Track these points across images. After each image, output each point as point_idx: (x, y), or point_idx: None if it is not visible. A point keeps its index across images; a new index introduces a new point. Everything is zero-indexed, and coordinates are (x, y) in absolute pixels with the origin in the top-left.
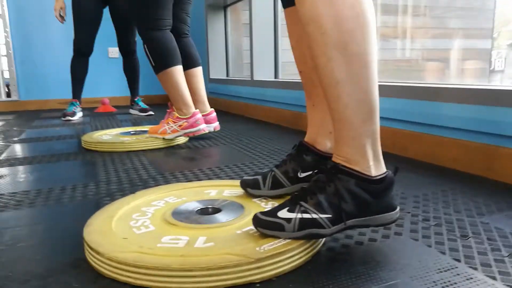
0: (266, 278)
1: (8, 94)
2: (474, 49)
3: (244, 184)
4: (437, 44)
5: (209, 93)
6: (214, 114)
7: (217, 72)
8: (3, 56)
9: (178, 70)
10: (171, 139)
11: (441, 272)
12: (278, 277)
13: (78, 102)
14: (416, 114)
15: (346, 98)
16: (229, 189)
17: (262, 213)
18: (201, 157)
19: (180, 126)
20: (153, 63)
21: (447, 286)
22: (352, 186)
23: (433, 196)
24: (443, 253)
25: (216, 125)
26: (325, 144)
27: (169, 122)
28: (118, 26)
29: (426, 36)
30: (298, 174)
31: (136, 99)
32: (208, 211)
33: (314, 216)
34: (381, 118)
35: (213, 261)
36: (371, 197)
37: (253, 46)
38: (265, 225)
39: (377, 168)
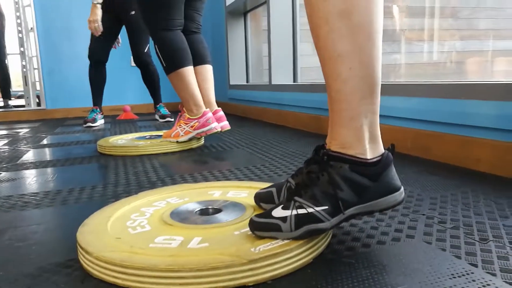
0: (260, 281)
1: (39, 104)
2: (507, 51)
3: (257, 199)
4: (466, 46)
5: (229, 99)
6: (221, 113)
7: (237, 78)
8: (34, 69)
9: (188, 71)
10: (186, 141)
11: (454, 277)
12: (273, 280)
13: (98, 109)
14: (438, 113)
15: (347, 73)
16: (234, 190)
17: (257, 215)
18: (213, 160)
19: (192, 127)
20: (163, 64)
21: None
22: (347, 172)
23: (452, 198)
24: (459, 257)
25: (223, 124)
26: None
27: (181, 125)
28: (130, 40)
29: (454, 38)
30: None
31: (158, 106)
32: (208, 211)
33: (310, 210)
34: (401, 118)
35: (203, 262)
36: (369, 181)
37: (271, 51)
38: (261, 228)
39: (374, 150)
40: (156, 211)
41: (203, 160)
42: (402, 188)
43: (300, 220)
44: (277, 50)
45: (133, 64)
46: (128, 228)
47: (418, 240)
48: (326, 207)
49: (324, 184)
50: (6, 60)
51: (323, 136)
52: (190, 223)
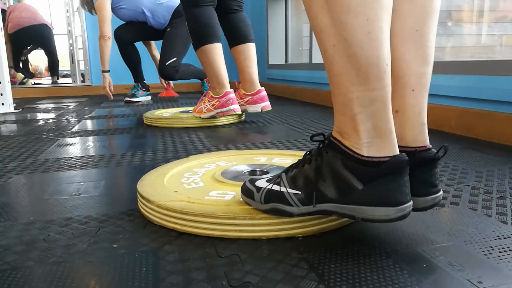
0: (309, 233)
1: (83, 81)
2: None
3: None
4: None
5: (267, 79)
6: (263, 93)
7: (276, 58)
8: (79, 48)
9: (213, 48)
10: (207, 118)
11: (500, 239)
12: (321, 233)
13: (140, 85)
14: (484, 90)
15: (331, 51)
16: (279, 157)
17: (250, 179)
18: (255, 133)
19: (213, 105)
20: (191, 40)
21: (505, 251)
22: (337, 164)
23: (500, 172)
24: (505, 222)
25: (264, 105)
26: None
27: (205, 102)
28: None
29: (505, 20)
30: None
31: (201, 83)
32: (256, 173)
33: (283, 189)
34: (444, 96)
35: (256, 211)
36: (360, 182)
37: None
38: (243, 191)
39: (377, 147)
40: (208, 171)
41: (245, 133)
42: (403, 206)
43: (269, 196)
44: None
45: None
46: (183, 184)
47: (463, 206)
48: (299, 192)
49: (311, 170)
50: (56, 52)
51: None
52: (240, 181)
